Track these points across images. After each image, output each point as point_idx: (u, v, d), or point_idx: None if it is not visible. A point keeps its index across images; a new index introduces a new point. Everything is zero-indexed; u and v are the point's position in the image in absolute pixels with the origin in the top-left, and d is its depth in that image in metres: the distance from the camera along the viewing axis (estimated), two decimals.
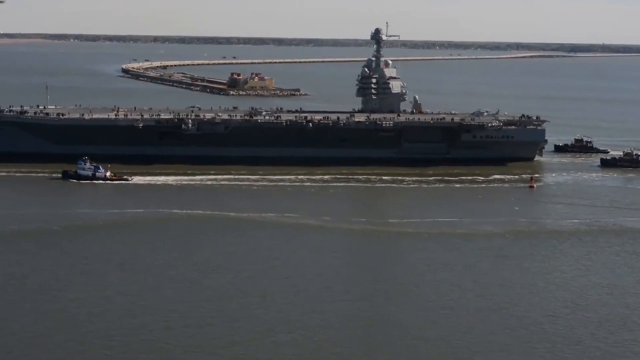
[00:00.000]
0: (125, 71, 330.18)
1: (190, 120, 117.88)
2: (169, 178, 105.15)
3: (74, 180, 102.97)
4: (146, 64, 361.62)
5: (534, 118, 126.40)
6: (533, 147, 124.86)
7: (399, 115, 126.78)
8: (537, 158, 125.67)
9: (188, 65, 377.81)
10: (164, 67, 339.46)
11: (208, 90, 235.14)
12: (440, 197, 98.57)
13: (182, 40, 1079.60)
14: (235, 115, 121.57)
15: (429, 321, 54.37)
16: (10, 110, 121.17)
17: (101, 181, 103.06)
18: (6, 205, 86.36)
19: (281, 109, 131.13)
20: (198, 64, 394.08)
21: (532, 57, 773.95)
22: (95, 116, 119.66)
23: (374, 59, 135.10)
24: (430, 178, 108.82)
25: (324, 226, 78.99)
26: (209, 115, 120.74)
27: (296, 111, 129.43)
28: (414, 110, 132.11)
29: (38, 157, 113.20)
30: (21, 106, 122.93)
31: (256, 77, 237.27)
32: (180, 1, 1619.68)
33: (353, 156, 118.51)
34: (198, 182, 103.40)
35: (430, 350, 49.63)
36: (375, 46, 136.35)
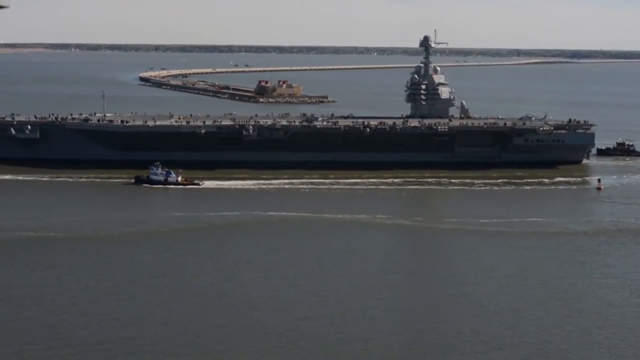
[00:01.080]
0: (143, 79, 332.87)
1: (250, 127, 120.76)
2: (237, 182, 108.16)
3: (147, 185, 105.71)
4: (163, 73, 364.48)
5: (582, 122, 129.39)
6: (582, 150, 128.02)
7: (450, 120, 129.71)
8: (584, 161, 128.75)
9: (207, 73, 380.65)
10: (185, 76, 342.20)
11: (237, 97, 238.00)
12: (517, 198, 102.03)
13: (183, 49, 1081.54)
14: (294, 122, 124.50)
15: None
16: (73, 118, 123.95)
17: (173, 186, 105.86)
18: (102, 209, 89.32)
19: (332, 115, 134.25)
20: (216, 72, 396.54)
21: (536, 63, 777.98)
22: (158, 123, 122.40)
23: (422, 65, 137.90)
24: (498, 180, 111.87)
25: (421, 226, 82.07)
26: (268, 122, 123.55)
27: (348, 117, 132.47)
28: (462, 116, 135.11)
29: (100, 164, 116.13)
30: (78, 114, 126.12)
31: (284, 85, 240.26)
32: (180, 10, 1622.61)
33: (408, 160, 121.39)
34: (271, 186, 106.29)
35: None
36: (424, 53, 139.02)
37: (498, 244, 76.54)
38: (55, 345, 49.94)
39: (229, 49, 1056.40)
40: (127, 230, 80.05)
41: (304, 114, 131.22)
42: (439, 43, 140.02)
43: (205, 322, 54.35)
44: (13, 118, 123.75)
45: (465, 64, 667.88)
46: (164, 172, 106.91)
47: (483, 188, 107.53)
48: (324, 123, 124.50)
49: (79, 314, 55.40)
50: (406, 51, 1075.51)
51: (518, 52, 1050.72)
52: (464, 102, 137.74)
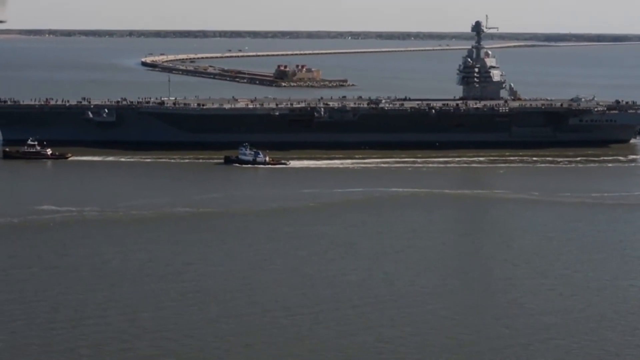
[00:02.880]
0: (147, 65, 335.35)
1: (322, 109, 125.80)
2: (321, 162, 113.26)
3: (237, 165, 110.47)
4: (162, 57, 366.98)
5: (631, 103, 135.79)
6: (631, 130, 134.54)
7: (506, 101, 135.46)
8: (632, 140, 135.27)
9: (216, 58, 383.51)
10: (193, 61, 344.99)
11: (257, 82, 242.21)
12: (612, 174, 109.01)
13: (158, 34, 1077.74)
14: (362, 104, 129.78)
15: None
16: (147, 102, 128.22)
17: (261, 165, 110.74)
18: (214, 189, 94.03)
19: (396, 97, 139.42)
20: (224, 57, 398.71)
21: (512, 47, 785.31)
22: (234, 106, 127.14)
23: (474, 49, 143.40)
24: (577, 158, 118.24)
25: (539, 200, 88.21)
26: (336, 104, 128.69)
27: (404, 99, 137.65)
28: (512, 97, 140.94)
29: (175, 146, 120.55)
30: (151, 97, 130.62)
31: (303, 69, 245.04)
32: None
33: (468, 140, 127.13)
34: (358, 165, 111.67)
35: None
36: (476, 37, 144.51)
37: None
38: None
39: (204, 34, 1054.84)
40: (273, 205, 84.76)
41: (370, 97, 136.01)
42: (490, 28, 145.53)
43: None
44: (89, 102, 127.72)
45: (448, 47, 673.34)
46: (253, 153, 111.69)
47: (570, 165, 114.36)
48: (390, 105, 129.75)
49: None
50: (380, 35, 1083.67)
51: (492, 36, 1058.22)
52: (512, 85, 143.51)
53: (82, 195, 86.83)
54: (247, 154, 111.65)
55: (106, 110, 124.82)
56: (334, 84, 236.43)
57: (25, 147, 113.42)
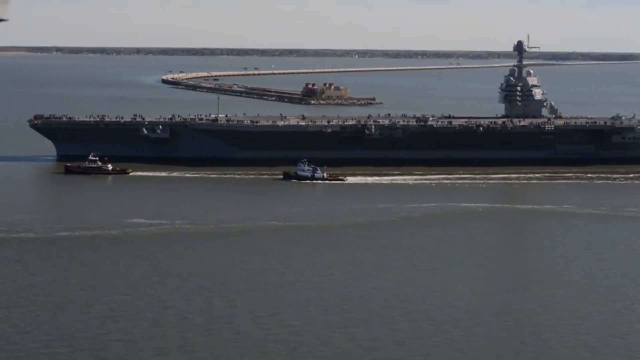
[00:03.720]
0: (169, 82, 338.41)
1: (372, 126, 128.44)
2: (378, 178, 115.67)
3: (295, 180, 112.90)
4: (182, 75, 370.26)
5: None
6: None
7: (550, 120, 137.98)
8: None
9: (232, 75, 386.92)
10: (216, 79, 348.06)
11: (285, 100, 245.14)
12: None
13: (165, 51, 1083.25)
14: (409, 121, 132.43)
15: None
16: (201, 119, 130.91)
17: (320, 181, 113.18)
18: (290, 203, 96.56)
19: (442, 115, 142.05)
20: (246, 75, 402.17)
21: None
22: (286, 123, 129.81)
23: (516, 68, 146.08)
24: (630, 175, 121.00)
25: (609, 215, 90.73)
26: (386, 122, 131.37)
27: (448, 117, 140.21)
28: (554, 115, 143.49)
29: (228, 162, 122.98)
30: (201, 115, 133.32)
31: (331, 87, 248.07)
32: (159, 13, 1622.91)
33: (514, 157, 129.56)
34: (416, 181, 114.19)
35: None
36: (517, 56, 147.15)
37: None
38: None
39: (211, 52, 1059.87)
40: (358, 219, 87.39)
41: (422, 114, 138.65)
42: (532, 47, 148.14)
43: None
44: (143, 119, 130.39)
45: (458, 66, 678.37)
46: (311, 169, 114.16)
47: (624, 182, 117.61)
48: (438, 123, 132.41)
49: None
50: (387, 54, 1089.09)
51: (498, 55, 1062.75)
52: (552, 103, 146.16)
53: (165, 209, 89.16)
54: (305, 169, 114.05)
55: (160, 126, 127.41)
56: (362, 102, 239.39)
57: (87, 163, 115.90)
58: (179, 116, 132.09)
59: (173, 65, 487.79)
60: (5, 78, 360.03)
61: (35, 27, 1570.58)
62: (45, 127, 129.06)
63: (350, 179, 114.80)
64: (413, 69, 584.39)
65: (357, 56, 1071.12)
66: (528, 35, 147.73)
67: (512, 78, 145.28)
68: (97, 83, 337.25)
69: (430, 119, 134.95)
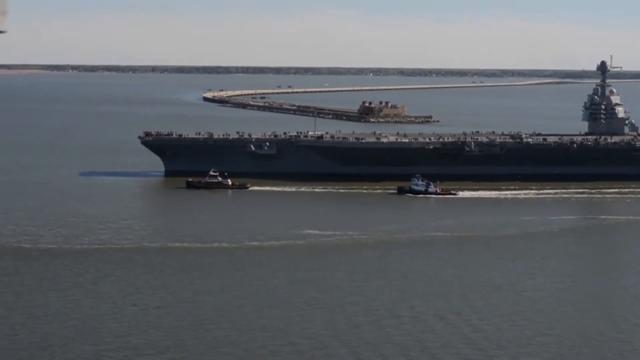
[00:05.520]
0: (211, 100, 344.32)
1: (472, 143, 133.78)
2: (489, 192, 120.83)
3: (410, 195, 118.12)
4: (222, 93, 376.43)
5: None
6: None
7: (635, 137, 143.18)
8: None
9: (282, 93, 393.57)
10: (262, 97, 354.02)
11: (344, 117, 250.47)
12: None
13: (181, 69, 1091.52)
14: (507, 138, 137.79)
15: None
16: (305, 136, 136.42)
17: (433, 195, 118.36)
18: (429, 217, 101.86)
19: (535, 132, 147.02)
20: (293, 92, 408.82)
21: (537, 84, 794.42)
22: (390, 139, 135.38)
23: (599, 87, 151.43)
24: None
25: None
26: (484, 139, 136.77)
27: (539, 134, 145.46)
28: (635, 133, 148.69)
29: (331, 178, 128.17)
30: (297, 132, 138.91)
31: (388, 105, 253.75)
32: (174, 31, 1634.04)
33: (606, 173, 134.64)
34: (528, 195, 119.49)
35: None
36: (601, 76, 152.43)
37: None
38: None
39: (226, 70, 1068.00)
40: (510, 231, 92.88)
41: (516, 132, 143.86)
42: (614, 67, 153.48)
43: None
44: (250, 135, 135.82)
45: (482, 84, 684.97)
46: (424, 183, 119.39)
47: None
48: (534, 139, 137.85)
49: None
50: (402, 72, 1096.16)
51: (512, 73, 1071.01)
52: (634, 121, 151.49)
53: (320, 221, 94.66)
54: (419, 184, 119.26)
55: (267, 143, 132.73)
56: (420, 120, 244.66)
57: (208, 178, 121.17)
58: (284, 133, 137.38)
59: (201, 84, 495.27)
60: (42, 96, 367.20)
61: (50, 46, 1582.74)
62: (156, 143, 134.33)
63: (461, 194, 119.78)
64: (439, 87, 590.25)
65: (371, 74, 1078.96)
66: (611, 56, 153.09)
67: (596, 97, 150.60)
68: (143, 101, 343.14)
69: (523, 136, 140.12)
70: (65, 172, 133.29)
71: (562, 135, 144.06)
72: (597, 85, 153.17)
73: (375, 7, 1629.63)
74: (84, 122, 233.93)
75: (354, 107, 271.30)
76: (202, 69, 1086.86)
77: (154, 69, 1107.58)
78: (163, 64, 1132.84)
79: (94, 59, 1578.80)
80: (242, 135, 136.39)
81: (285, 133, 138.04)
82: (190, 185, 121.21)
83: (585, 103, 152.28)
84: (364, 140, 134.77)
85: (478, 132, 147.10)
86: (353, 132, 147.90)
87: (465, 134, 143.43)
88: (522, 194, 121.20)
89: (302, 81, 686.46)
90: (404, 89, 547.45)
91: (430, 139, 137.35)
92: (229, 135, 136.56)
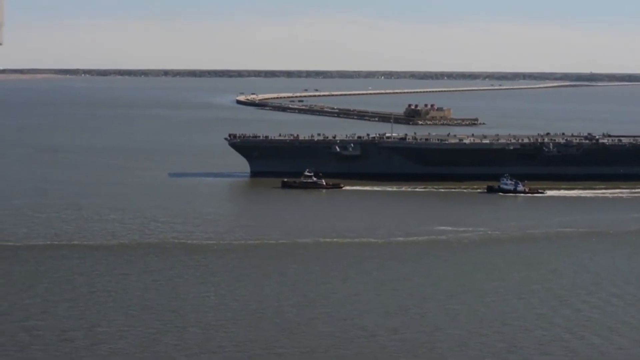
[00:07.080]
0: (241, 103, 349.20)
1: (550, 144, 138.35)
2: (573, 192, 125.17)
3: (500, 194, 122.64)
4: (254, 97, 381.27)
5: None
6: None
7: None
8: None
9: (321, 96, 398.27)
10: (300, 100, 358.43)
11: (391, 120, 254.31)
12: None
13: (193, 73, 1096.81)
14: (584, 140, 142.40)
15: None
16: (388, 138, 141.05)
17: (521, 194, 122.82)
18: (533, 216, 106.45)
19: (607, 133, 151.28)
20: (332, 95, 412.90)
21: (555, 87, 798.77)
22: (473, 141, 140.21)
23: None
24: None
25: None
26: (561, 140, 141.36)
27: (599, 135, 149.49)
28: None
29: (409, 177, 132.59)
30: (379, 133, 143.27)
31: (434, 108, 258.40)
32: (185, 36, 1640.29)
33: None
34: (611, 195, 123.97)
35: None
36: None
37: None
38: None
39: (238, 73, 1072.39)
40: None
41: (588, 133, 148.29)
42: None
43: None
44: (334, 137, 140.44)
45: (500, 87, 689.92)
46: (513, 182, 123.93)
47: None
48: (610, 140, 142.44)
49: None
50: (413, 75, 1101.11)
51: (523, 76, 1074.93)
52: None
53: (438, 217, 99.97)
54: (508, 183, 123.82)
55: (352, 144, 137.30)
56: (466, 122, 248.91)
57: (302, 178, 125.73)
58: (367, 135, 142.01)
59: (223, 87, 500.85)
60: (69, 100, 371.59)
61: (61, 50, 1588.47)
62: (244, 145, 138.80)
63: (549, 193, 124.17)
64: (461, 90, 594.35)
65: (382, 77, 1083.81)
66: None
67: None
68: (180, 105, 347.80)
69: (597, 136, 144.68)
70: (157, 173, 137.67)
71: (635, 136, 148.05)
72: None
73: (386, 10, 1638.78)
74: (142, 126, 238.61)
75: (392, 110, 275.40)
76: (214, 73, 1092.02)
77: (166, 72, 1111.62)
78: (175, 68, 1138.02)
79: (106, 64, 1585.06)
80: (327, 138, 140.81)
81: (368, 135, 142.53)
82: (286, 185, 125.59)
83: None
84: (446, 142, 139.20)
85: (548, 133, 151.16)
86: (429, 133, 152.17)
87: (541, 135, 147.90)
88: (607, 193, 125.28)
89: (321, 84, 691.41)
90: (448, 91, 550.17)
91: (510, 139, 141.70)
92: (313, 136, 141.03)
